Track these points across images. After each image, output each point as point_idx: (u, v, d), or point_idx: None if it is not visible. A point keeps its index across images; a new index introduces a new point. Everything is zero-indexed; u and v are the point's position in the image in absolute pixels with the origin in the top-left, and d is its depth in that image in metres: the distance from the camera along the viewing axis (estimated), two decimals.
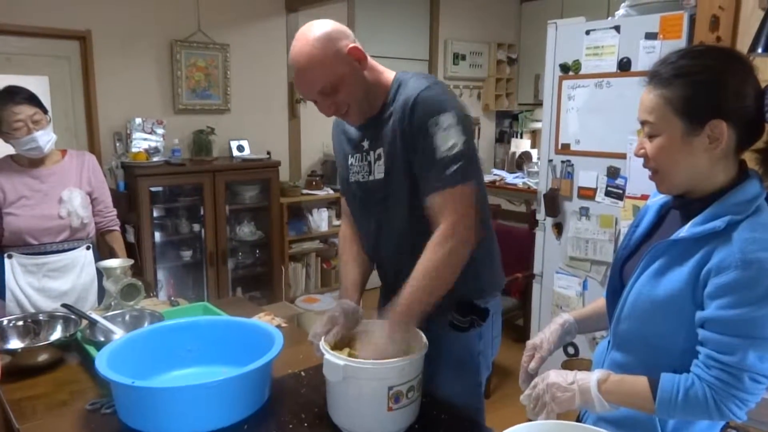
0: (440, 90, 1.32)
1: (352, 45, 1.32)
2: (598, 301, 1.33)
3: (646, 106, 1.04)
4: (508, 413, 2.84)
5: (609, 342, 1.18)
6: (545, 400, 1.07)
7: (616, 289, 1.18)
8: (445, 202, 1.28)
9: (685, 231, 1.02)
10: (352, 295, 1.44)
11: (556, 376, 1.09)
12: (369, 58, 1.36)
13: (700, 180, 1.04)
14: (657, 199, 1.19)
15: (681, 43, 2.22)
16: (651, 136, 1.05)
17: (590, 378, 1.05)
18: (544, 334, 1.28)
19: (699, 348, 1.00)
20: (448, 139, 1.26)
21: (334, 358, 1.20)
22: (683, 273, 1.01)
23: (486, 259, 1.48)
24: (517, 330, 3.63)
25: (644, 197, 2.37)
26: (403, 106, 1.32)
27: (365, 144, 1.43)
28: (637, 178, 2.39)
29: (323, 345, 1.26)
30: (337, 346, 1.31)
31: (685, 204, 1.08)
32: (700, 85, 0.99)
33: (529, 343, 1.28)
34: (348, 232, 1.59)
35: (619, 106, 2.45)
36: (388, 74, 1.41)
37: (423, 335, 1.30)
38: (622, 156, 2.43)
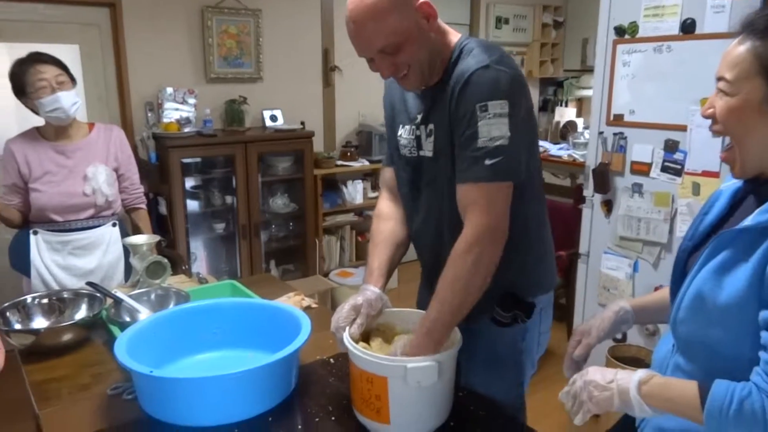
0: (501, 71, 1.15)
1: None
2: (662, 291, 1.19)
3: (730, 59, 0.88)
4: (548, 395, 2.73)
5: (674, 344, 1.05)
6: (582, 399, 0.96)
7: (678, 284, 1.04)
8: (477, 197, 1.16)
9: (750, 219, 0.88)
10: (377, 281, 1.31)
11: (594, 372, 0.97)
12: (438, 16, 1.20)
13: None
14: (731, 183, 1.03)
15: (755, 1, 1.98)
16: (725, 95, 0.89)
17: (631, 378, 0.93)
18: (595, 320, 1.17)
19: (761, 353, 0.85)
20: (492, 130, 1.13)
21: (424, 362, 1.08)
22: (747, 270, 0.87)
23: (540, 255, 1.36)
24: (560, 309, 3.47)
25: (705, 174, 2.16)
26: (456, 81, 1.18)
27: (419, 117, 1.29)
28: (698, 153, 2.18)
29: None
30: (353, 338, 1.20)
31: (759, 186, 0.93)
32: None
33: (578, 328, 1.17)
34: (385, 209, 1.45)
35: (681, 73, 2.23)
36: (453, 37, 1.25)
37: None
38: (682, 128, 2.21)
